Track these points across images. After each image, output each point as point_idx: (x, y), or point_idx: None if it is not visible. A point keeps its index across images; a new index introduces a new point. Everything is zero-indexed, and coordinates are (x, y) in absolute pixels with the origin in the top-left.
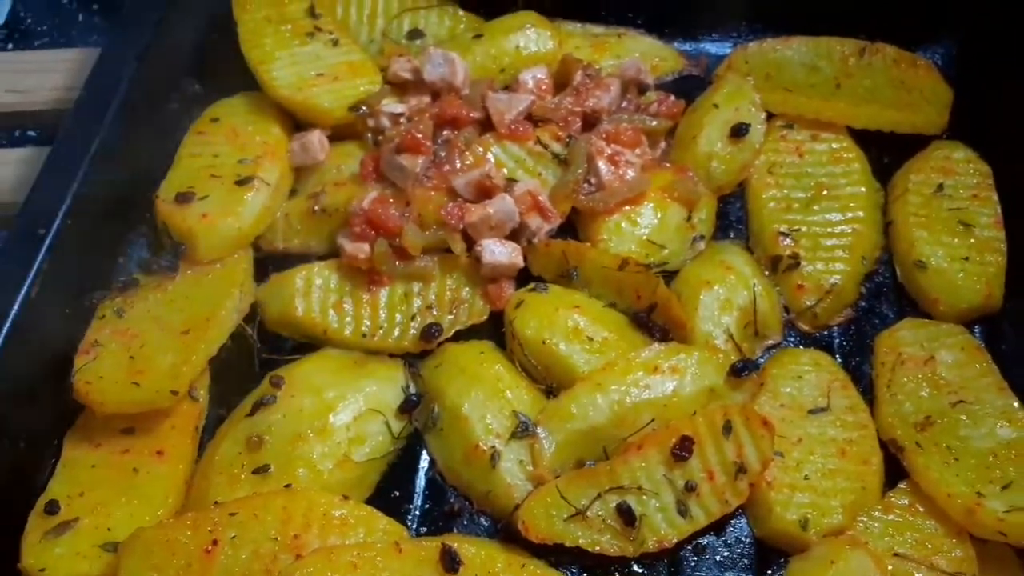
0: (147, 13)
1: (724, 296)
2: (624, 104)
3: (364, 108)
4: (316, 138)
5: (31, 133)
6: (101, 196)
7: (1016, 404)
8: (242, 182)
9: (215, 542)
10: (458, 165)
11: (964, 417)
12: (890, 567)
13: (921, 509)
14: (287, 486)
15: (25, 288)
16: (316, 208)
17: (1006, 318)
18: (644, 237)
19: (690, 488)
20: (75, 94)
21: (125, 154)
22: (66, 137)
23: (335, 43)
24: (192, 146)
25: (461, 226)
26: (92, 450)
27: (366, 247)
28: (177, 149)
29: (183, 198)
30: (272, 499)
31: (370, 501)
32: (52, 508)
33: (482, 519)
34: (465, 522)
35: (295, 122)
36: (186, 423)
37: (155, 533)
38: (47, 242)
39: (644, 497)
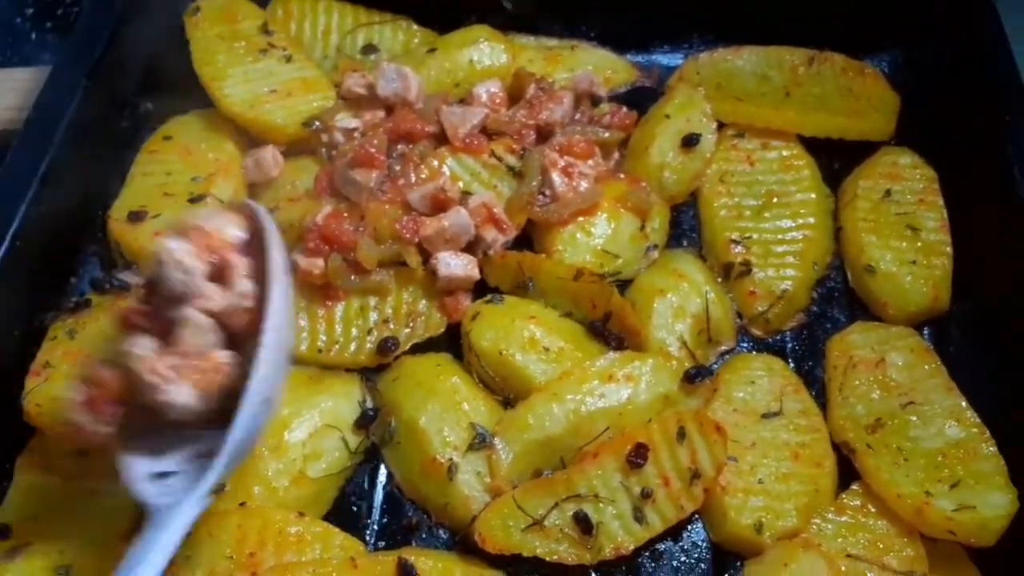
0: (97, 31)
1: (677, 304)
2: (577, 116)
3: (318, 124)
4: (270, 154)
5: None
6: (52, 216)
7: (964, 404)
8: (195, 200)
9: (171, 563)
10: (413, 179)
11: (914, 418)
12: (843, 568)
13: (873, 510)
14: (242, 504)
15: None
16: None
17: (953, 320)
18: (598, 247)
19: (646, 495)
20: (27, 114)
21: (76, 174)
22: (15, 158)
23: (288, 59)
24: (144, 164)
25: (416, 239)
26: (44, 474)
27: (320, 262)
28: (129, 168)
29: (135, 217)
30: (226, 517)
31: (327, 517)
32: (3, 532)
33: (440, 532)
34: (424, 535)
35: (249, 139)
36: None
37: (108, 554)
38: None
39: (601, 505)
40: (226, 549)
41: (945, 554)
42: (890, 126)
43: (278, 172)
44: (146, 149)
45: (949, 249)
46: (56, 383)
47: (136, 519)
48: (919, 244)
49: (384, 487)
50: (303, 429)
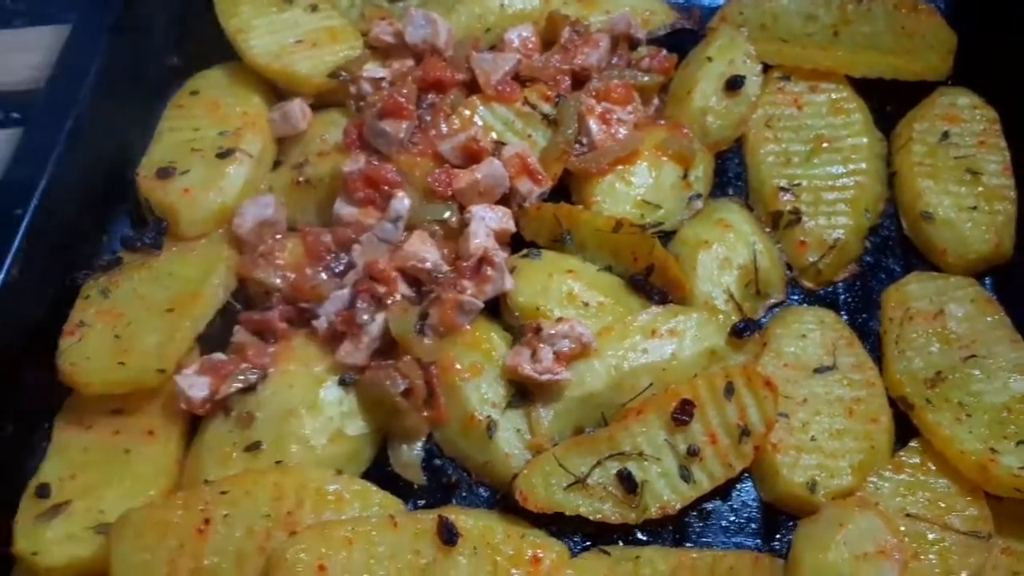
0: None
1: (723, 255)
2: (614, 60)
3: (345, 74)
4: (297, 107)
5: (14, 115)
6: (80, 174)
7: None
8: (223, 155)
9: (207, 521)
10: (444, 129)
11: (976, 371)
12: (902, 528)
13: (933, 468)
14: (279, 463)
15: (4, 270)
16: (300, 179)
17: (1016, 268)
18: (639, 197)
19: (692, 452)
20: (51, 72)
21: (102, 131)
22: (40, 116)
23: (313, 9)
24: (172, 120)
25: (450, 192)
26: (82, 432)
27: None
28: (157, 124)
29: (164, 173)
30: (264, 476)
31: (366, 476)
32: (43, 491)
33: (481, 490)
34: (464, 494)
35: (276, 92)
36: (175, 402)
37: (146, 514)
38: (25, 222)
39: (645, 463)
40: (263, 508)
41: (1011, 514)
42: (946, 65)
43: (306, 125)
44: (173, 104)
45: (1012, 193)
46: (90, 342)
47: (174, 476)
48: (980, 189)
49: (423, 445)
50: (339, 387)
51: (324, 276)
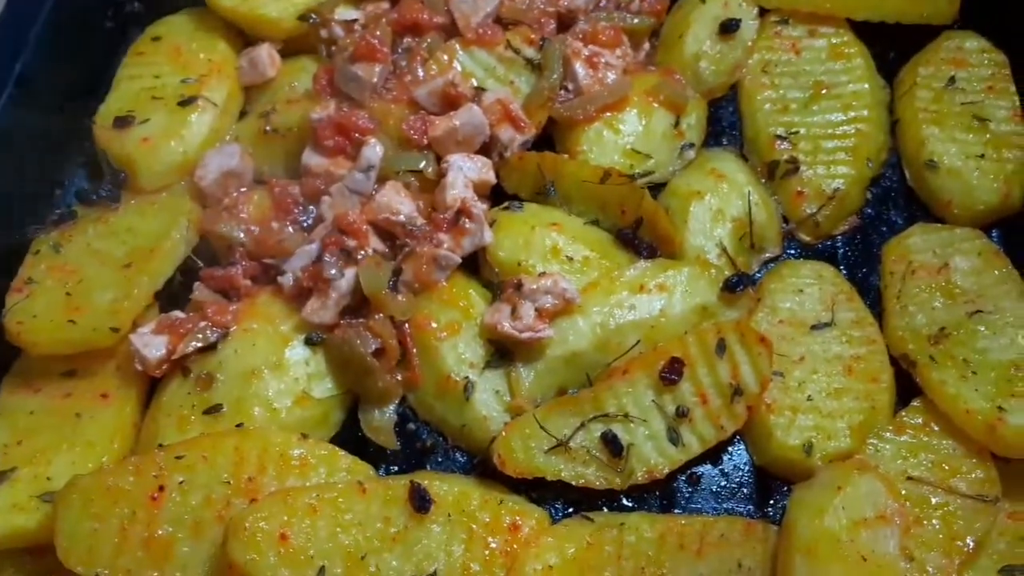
0: None
1: (716, 207)
2: (603, 2)
3: (315, 17)
4: (265, 53)
5: None
6: (30, 124)
7: None
8: (185, 103)
9: (161, 488)
10: (420, 75)
11: (982, 327)
12: (903, 492)
13: (936, 428)
14: (239, 426)
15: None
16: (267, 128)
17: None
18: (628, 146)
19: (681, 413)
20: None
21: (56, 77)
22: None
23: None
24: (131, 67)
25: (425, 140)
26: (31, 395)
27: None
28: (115, 72)
29: (122, 123)
30: (223, 440)
31: (334, 441)
32: None
33: (457, 455)
34: (439, 459)
35: (243, 38)
36: (131, 363)
37: (94, 480)
38: None
39: (632, 425)
40: (222, 474)
41: (1019, 476)
42: (953, 7)
43: (275, 72)
44: (133, 51)
45: (1023, 141)
46: (39, 299)
47: (129, 442)
48: (988, 136)
49: (396, 408)
50: (306, 345)
51: (291, 230)
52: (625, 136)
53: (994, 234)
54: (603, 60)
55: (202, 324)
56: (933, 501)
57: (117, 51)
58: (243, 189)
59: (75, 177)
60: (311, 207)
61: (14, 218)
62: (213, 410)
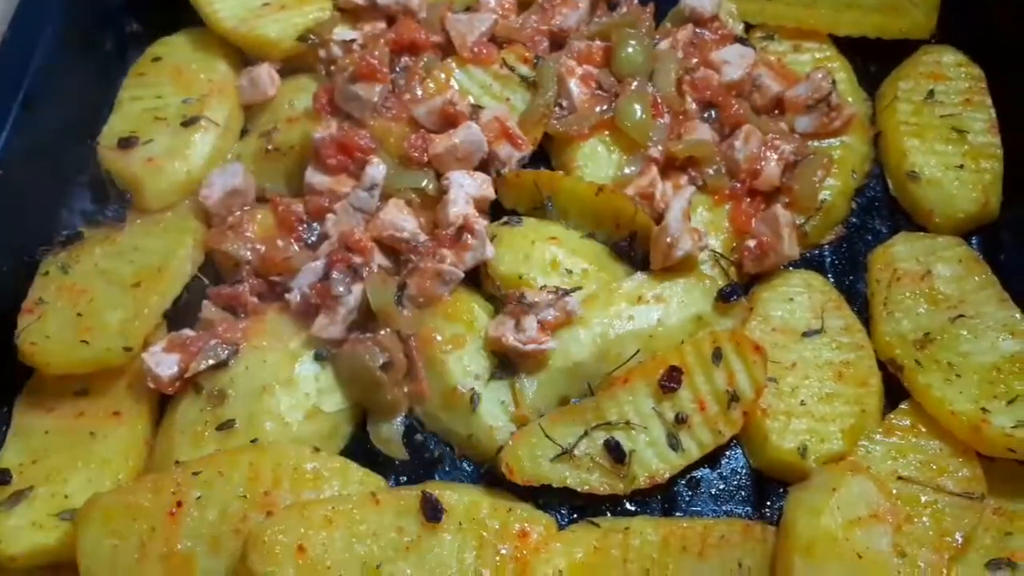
0: None
1: (708, 219)
2: (594, 21)
3: (314, 38)
4: (265, 72)
5: None
6: (37, 145)
7: (1018, 315)
8: (188, 123)
9: (179, 504)
10: (419, 93)
11: (965, 332)
12: (894, 491)
13: (924, 430)
14: (253, 441)
15: None
16: (269, 147)
17: (1004, 227)
18: (622, 161)
19: (680, 420)
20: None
21: (60, 98)
22: None
23: None
24: (133, 88)
25: (426, 158)
26: (44, 415)
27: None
28: (117, 92)
29: (126, 143)
30: (238, 455)
31: (344, 453)
32: (4, 478)
33: (465, 464)
34: (447, 468)
35: (242, 57)
36: (142, 381)
37: (114, 498)
38: None
39: (633, 432)
40: (238, 488)
41: (1004, 474)
42: (930, 23)
43: (275, 91)
44: (134, 72)
45: (999, 152)
46: (51, 320)
47: (143, 459)
48: (966, 147)
49: (404, 420)
50: (315, 362)
51: (296, 247)
52: (619, 152)
53: (974, 241)
54: (596, 78)
55: (213, 342)
56: (923, 499)
57: (117, 72)
58: (246, 207)
59: (80, 198)
60: (315, 224)
61: (21, 240)
62: (226, 426)
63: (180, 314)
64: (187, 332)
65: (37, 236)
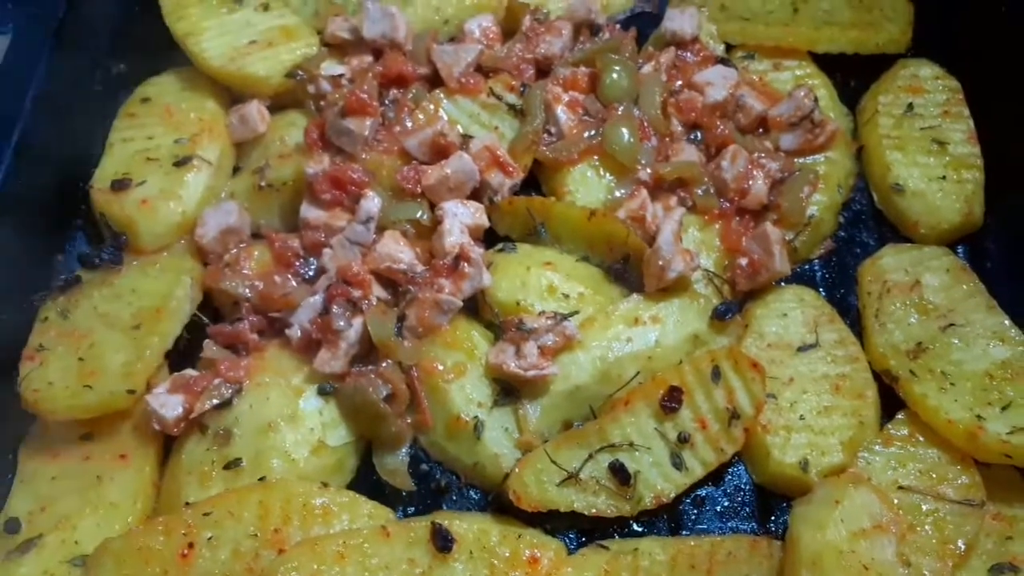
0: None
1: (700, 238)
2: (577, 47)
3: (302, 73)
4: (255, 109)
5: None
6: (29, 191)
7: (1007, 322)
8: (181, 163)
9: (191, 545)
10: (409, 125)
11: (956, 340)
12: (896, 501)
13: (922, 439)
14: (261, 479)
15: None
16: (262, 183)
17: (989, 235)
18: (612, 185)
19: (683, 439)
20: None
21: (51, 143)
22: None
23: (265, 7)
24: (123, 130)
25: (419, 189)
26: (50, 461)
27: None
28: (107, 135)
29: (120, 185)
30: (247, 494)
31: (351, 486)
32: (13, 527)
33: (471, 493)
34: (454, 497)
35: (231, 95)
36: (147, 424)
37: (125, 542)
38: None
39: (637, 453)
40: (249, 527)
41: (1001, 480)
42: (906, 37)
43: (265, 128)
44: (124, 113)
45: (979, 161)
46: (53, 366)
47: (151, 501)
48: (947, 158)
49: (408, 451)
50: (318, 396)
51: (294, 283)
52: (609, 176)
53: (960, 250)
54: (582, 104)
55: (216, 381)
56: (924, 508)
57: (107, 113)
58: (243, 245)
59: (75, 241)
60: (312, 259)
61: (18, 286)
62: (233, 464)
63: (181, 354)
64: (190, 372)
65: (34, 282)
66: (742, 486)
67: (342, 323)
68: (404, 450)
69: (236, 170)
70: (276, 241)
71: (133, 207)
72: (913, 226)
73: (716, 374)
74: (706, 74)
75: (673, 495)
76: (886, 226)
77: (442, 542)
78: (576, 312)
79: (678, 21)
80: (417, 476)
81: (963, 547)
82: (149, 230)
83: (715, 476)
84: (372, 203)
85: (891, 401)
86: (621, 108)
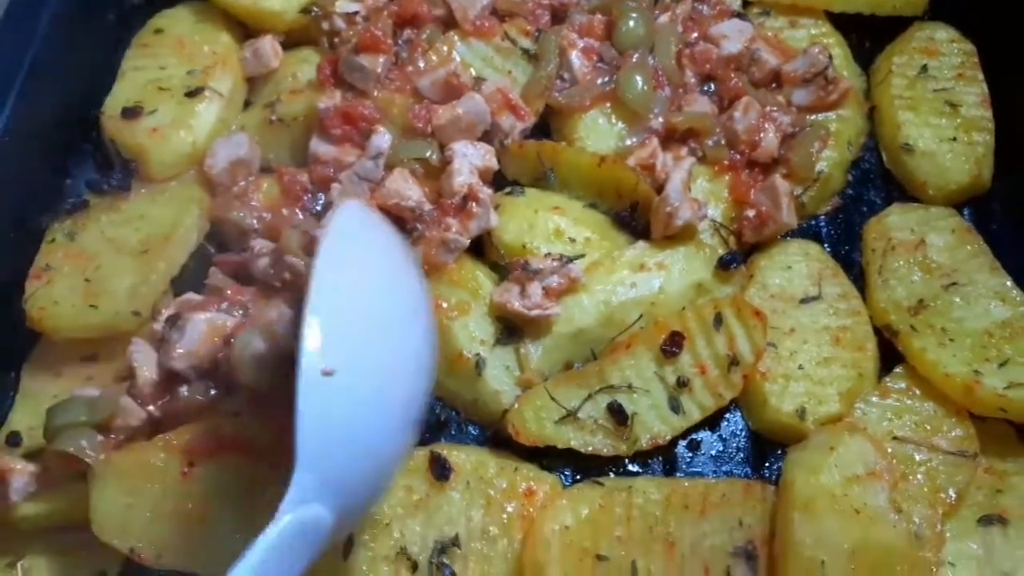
0: None
1: (709, 188)
2: None
3: (317, 10)
4: (268, 44)
5: None
6: (40, 115)
7: (1009, 283)
8: (192, 94)
9: (191, 464)
10: (421, 65)
11: (957, 299)
12: (890, 450)
13: (918, 392)
14: None
15: None
16: (273, 118)
17: (995, 198)
18: (623, 133)
19: (682, 384)
20: (4, 9)
21: (64, 69)
22: None
23: None
24: (136, 59)
25: (430, 128)
26: (52, 379)
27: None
28: (119, 63)
29: (130, 113)
30: None
31: None
32: (14, 440)
33: (470, 428)
34: (453, 432)
35: (245, 29)
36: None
37: (127, 458)
38: None
39: (635, 395)
40: None
41: (995, 435)
42: None
43: (278, 63)
44: (137, 43)
45: (991, 125)
46: (59, 286)
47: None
48: (959, 120)
49: None
50: None
51: (302, 217)
52: (620, 124)
53: (966, 212)
54: (597, 51)
55: (223, 306)
56: (917, 458)
57: (120, 43)
58: (251, 177)
59: (84, 167)
60: (320, 193)
61: (26, 208)
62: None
63: (186, 282)
64: (193, 296)
65: (42, 204)
66: (738, 432)
67: None
68: None
69: (247, 104)
70: (285, 175)
71: (144, 135)
72: (921, 186)
73: (718, 320)
74: (722, 27)
75: (669, 437)
76: (894, 186)
77: (440, 471)
78: (582, 255)
79: None
80: None
81: (954, 496)
82: (159, 159)
83: (712, 421)
84: (382, 139)
85: (890, 356)
86: (636, 56)
